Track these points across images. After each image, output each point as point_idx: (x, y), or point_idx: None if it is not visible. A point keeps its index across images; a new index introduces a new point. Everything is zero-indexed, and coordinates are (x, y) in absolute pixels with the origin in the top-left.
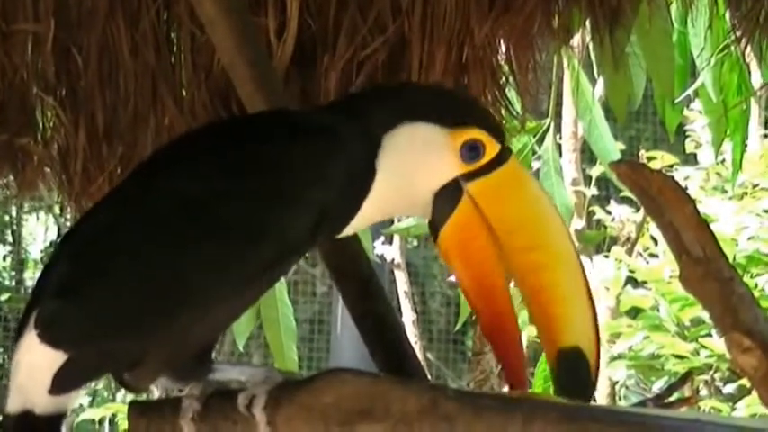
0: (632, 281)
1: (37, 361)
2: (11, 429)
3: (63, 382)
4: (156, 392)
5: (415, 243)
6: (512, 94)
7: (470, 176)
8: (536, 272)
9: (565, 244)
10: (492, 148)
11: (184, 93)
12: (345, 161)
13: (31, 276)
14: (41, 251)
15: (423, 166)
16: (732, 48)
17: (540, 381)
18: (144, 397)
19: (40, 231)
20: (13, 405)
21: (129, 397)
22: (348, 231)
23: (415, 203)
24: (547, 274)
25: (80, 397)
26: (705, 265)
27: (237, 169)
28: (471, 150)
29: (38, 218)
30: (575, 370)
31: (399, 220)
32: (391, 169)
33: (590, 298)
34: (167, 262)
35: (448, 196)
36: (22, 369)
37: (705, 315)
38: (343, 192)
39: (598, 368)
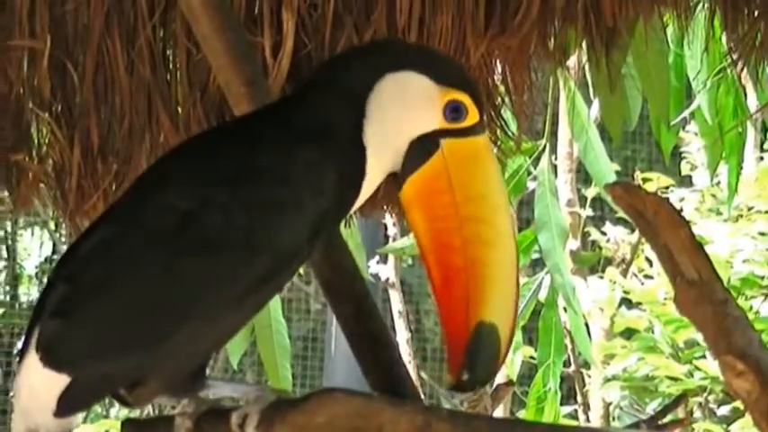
0: (627, 302)
1: (39, 383)
2: None
3: (68, 404)
4: (147, 408)
5: (410, 262)
6: (507, 114)
7: (448, 134)
8: (479, 244)
9: (508, 227)
10: (473, 116)
11: (180, 110)
12: (338, 164)
13: (26, 292)
14: (36, 266)
15: (407, 113)
16: (728, 70)
17: (534, 402)
18: (138, 413)
19: (35, 247)
20: (18, 427)
21: (123, 413)
22: (357, 205)
23: (397, 152)
24: (487, 249)
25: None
26: (699, 287)
27: (232, 184)
28: (454, 111)
29: (33, 233)
30: (487, 347)
31: (394, 240)
32: (378, 131)
33: (517, 284)
34: (165, 279)
35: (423, 147)
36: (24, 391)
37: (699, 337)
38: (339, 194)
39: (507, 351)
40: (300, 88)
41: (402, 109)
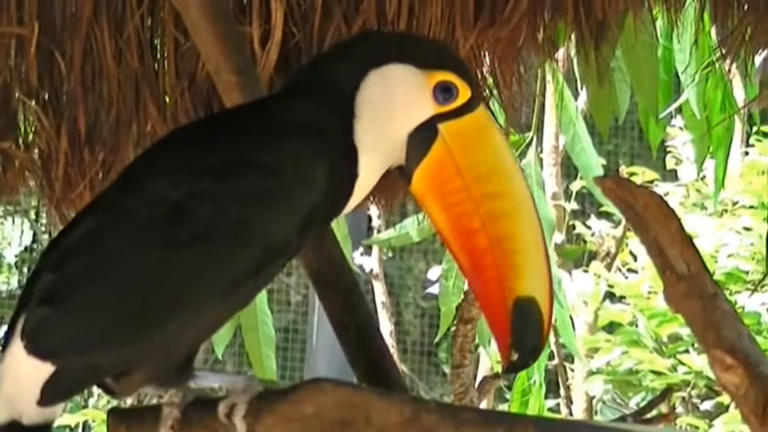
0: (611, 296)
1: (23, 372)
2: None
3: (52, 393)
4: (130, 399)
5: (391, 254)
6: (495, 106)
7: (444, 117)
8: (500, 219)
9: (526, 195)
10: (464, 92)
11: (167, 99)
12: (329, 160)
13: (5, 281)
14: (16, 256)
15: (398, 107)
16: (717, 64)
17: (518, 395)
18: (124, 404)
19: (15, 236)
20: (1, 416)
21: (102, 403)
22: (352, 205)
23: (395, 148)
24: (510, 222)
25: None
26: (689, 281)
27: (222, 175)
28: (445, 92)
29: (13, 222)
30: (530, 320)
31: (379, 231)
32: (370, 130)
33: (546, 251)
34: (154, 269)
35: (422, 136)
36: (8, 380)
37: (683, 331)
38: (330, 190)
39: (551, 321)
40: (287, 88)
41: (391, 103)
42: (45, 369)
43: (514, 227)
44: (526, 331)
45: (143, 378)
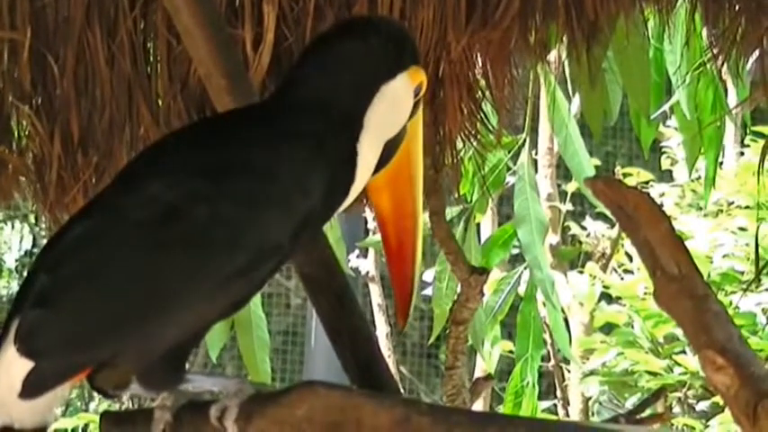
0: (606, 297)
1: (16, 375)
2: None
3: (33, 385)
4: (126, 402)
5: None
6: (488, 108)
7: (412, 114)
8: (418, 202)
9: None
10: (423, 83)
11: (160, 103)
12: (326, 167)
13: (6, 285)
14: (16, 260)
15: (399, 116)
16: (708, 65)
17: (511, 397)
18: (117, 407)
19: (15, 240)
20: None
21: (102, 407)
22: (344, 206)
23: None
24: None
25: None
26: (679, 282)
27: (216, 178)
28: (418, 90)
29: (13, 227)
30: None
31: (375, 233)
32: (373, 139)
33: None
34: (147, 271)
35: (397, 137)
36: (1, 385)
37: (679, 332)
38: (327, 196)
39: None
40: (286, 85)
41: (395, 114)
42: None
43: (420, 209)
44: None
45: (125, 370)
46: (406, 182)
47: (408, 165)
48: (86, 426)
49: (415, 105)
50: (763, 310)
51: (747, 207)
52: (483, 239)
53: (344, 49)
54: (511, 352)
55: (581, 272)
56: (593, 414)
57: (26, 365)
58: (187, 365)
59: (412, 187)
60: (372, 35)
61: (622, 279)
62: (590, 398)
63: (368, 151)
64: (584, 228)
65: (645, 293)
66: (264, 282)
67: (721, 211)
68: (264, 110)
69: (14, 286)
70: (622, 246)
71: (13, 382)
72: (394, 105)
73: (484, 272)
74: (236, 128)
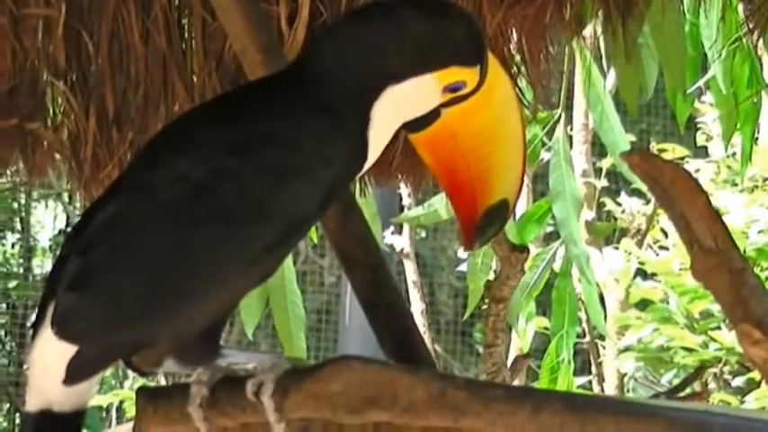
0: (642, 273)
1: (53, 359)
2: (30, 429)
3: (77, 371)
4: (162, 379)
5: (424, 234)
6: (523, 84)
7: (449, 104)
8: (486, 157)
9: (518, 135)
10: (472, 82)
11: (195, 79)
12: (346, 137)
13: (39, 264)
14: (50, 239)
15: (410, 112)
16: (744, 40)
17: (547, 373)
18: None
19: (48, 219)
20: (32, 405)
21: (137, 384)
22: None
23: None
24: (495, 157)
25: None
26: (716, 256)
27: (244, 151)
28: (454, 89)
29: (47, 205)
30: (496, 218)
31: (409, 209)
32: (380, 130)
33: (524, 153)
34: (179, 248)
35: (423, 118)
36: (38, 368)
37: (714, 308)
38: (348, 164)
39: (514, 208)
40: (312, 56)
41: (404, 111)
42: (72, 352)
43: (499, 158)
44: (491, 224)
45: (163, 350)
46: (453, 151)
47: (455, 146)
48: (121, 402)
49: (464, 98)
50: None
51: None
52: (518, 216)
53: (367, 31)
54: (546, 328)
55: (616, 248)
56: (628, 390)
57: (65, 350)
58: (222, 342)
59: (465, 158)
60: (406, 18)
61: (657, 255)
62: (625, 374)
63: (377, 136)
64: (619, 204)
65: (680, 269)
66: (292, 249)
67: (757, 186)
68: (284, 82)
69: (48, 265)
70: (657, 222)
71: (50, 365)
72: (403, 105)
73: (524, 249)
74: (258, 100)
